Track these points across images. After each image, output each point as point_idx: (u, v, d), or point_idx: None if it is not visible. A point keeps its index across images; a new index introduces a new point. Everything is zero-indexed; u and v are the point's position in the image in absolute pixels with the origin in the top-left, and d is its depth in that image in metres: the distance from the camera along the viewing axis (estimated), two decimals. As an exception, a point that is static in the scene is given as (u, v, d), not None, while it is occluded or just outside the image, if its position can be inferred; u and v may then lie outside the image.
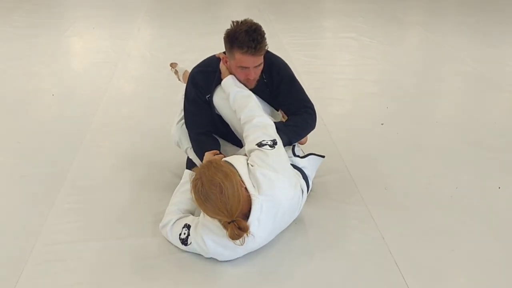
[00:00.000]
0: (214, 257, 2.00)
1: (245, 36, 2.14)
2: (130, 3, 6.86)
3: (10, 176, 2.68)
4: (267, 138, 2.11)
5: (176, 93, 3.32)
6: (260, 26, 2.22)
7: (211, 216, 1.90)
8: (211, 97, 2.36)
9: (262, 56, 2.25)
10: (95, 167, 2.75)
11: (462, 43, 5.30)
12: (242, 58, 2.20)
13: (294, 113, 2.40)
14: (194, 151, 2.42)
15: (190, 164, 2.47)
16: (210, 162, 1.94)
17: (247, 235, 1.84)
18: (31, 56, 4.60)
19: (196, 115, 2.40)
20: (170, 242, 2.10)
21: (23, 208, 2.39)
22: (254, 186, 1.94)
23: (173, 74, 3.43)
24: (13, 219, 2.30)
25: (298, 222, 2.26)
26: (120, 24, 5.76)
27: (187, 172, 2.27)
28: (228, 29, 2.23)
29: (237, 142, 2.47)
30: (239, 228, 1.82)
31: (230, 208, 1.81)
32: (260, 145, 2.07)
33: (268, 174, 1.97)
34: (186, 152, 2.51)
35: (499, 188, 2.61)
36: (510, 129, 3.33)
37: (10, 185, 2.59)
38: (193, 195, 1.86)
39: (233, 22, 2.22)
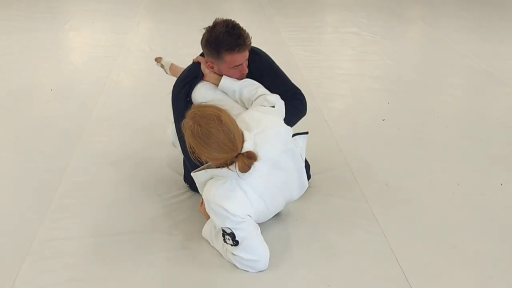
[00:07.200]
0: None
1: (229, 37, 2.10)
2: (130, -3, 6.83)
3: (8, 171, 2.66)
4: (268, 104, 2.12)
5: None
6: (232, 20, 2.16)
7: (215, 158, 1.84)
8: (190, 97, 2.29)
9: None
10: (93, 162, 2.72)
11: (464, 38, 5.27)
12: (234, 58, 2.16)
13: (285, 101, 2.36)
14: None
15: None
16: (194, 108, 1.87)
17: (255, 162, 1.82)
18: (30, 51, 4.57)
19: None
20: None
21: (21, 204, 2.37)
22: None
23: (159, 68, 3.33)
24: (11, 215, 2.29)
25: (298, 218, 2.25)
26: (119, 18, 5.73)
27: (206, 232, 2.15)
28: (205, 37, 2.17)
29: None
30: (248, 158, 1.81)
31: (234, 138, 1.79)
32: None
33: (255, 114, 2.00)
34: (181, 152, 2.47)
35: (501, 184, 2.60)
36: (512, 125, 3.31)
37: (8, 180, 2.56)
38: (192, 142, 1.81)
39: (205, 29, 2.17)
